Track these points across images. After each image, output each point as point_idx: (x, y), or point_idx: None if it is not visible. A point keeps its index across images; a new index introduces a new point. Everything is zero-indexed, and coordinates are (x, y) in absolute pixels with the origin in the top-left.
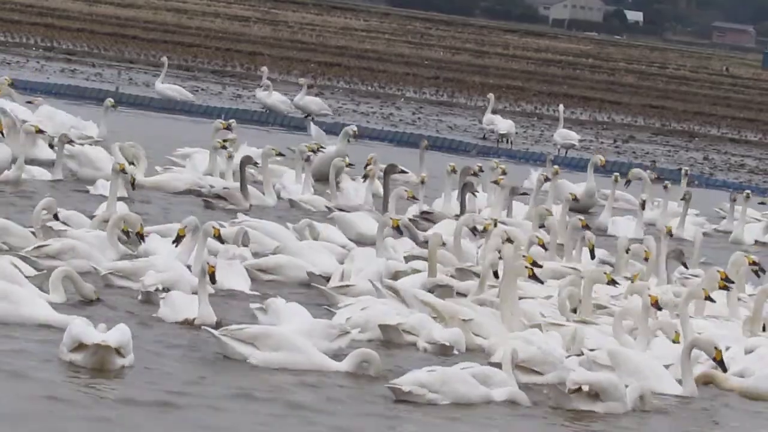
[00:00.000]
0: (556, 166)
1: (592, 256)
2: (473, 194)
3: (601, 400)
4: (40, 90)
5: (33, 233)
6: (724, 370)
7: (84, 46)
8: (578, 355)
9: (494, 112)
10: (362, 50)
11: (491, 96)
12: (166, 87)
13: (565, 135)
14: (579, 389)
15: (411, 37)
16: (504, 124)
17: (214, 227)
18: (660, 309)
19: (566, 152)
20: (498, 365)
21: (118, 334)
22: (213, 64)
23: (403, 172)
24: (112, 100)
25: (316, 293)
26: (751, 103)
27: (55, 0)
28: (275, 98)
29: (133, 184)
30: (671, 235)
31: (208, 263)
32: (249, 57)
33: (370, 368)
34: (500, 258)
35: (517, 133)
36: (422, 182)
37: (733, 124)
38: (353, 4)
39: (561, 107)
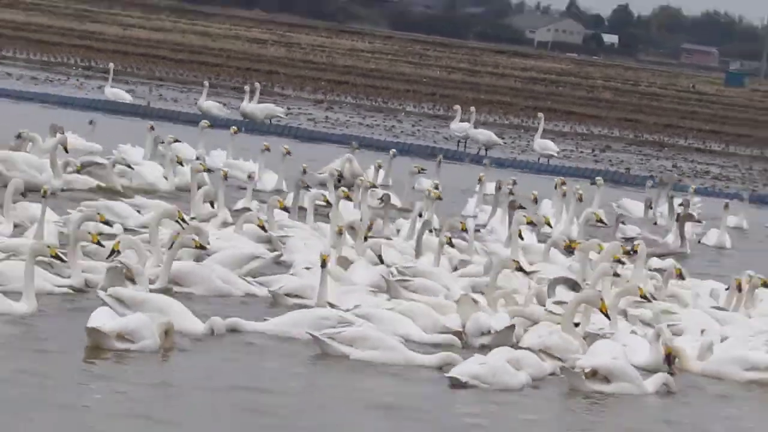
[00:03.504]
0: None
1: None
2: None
3: (610, 381)
4: (80, 105)
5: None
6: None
7: (119, 65)
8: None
9: (479, 124)
10: (367, 69)
11: (473, 109)
12: (111, 92)
13: (543, 146)
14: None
15: (411, 57)
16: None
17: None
18: None
19: (548, 161)
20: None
21: (117, 322)
22: (234, 81)
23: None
24: (207, 122)
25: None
26: (714, 117)
27: (93, 25)
28: (209, 104)
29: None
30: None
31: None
32: (266, 75)
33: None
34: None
35: (504, 143)
36: (438, 198)
37: (699, 135)
38: (360, 29)
39: (540, 115)
